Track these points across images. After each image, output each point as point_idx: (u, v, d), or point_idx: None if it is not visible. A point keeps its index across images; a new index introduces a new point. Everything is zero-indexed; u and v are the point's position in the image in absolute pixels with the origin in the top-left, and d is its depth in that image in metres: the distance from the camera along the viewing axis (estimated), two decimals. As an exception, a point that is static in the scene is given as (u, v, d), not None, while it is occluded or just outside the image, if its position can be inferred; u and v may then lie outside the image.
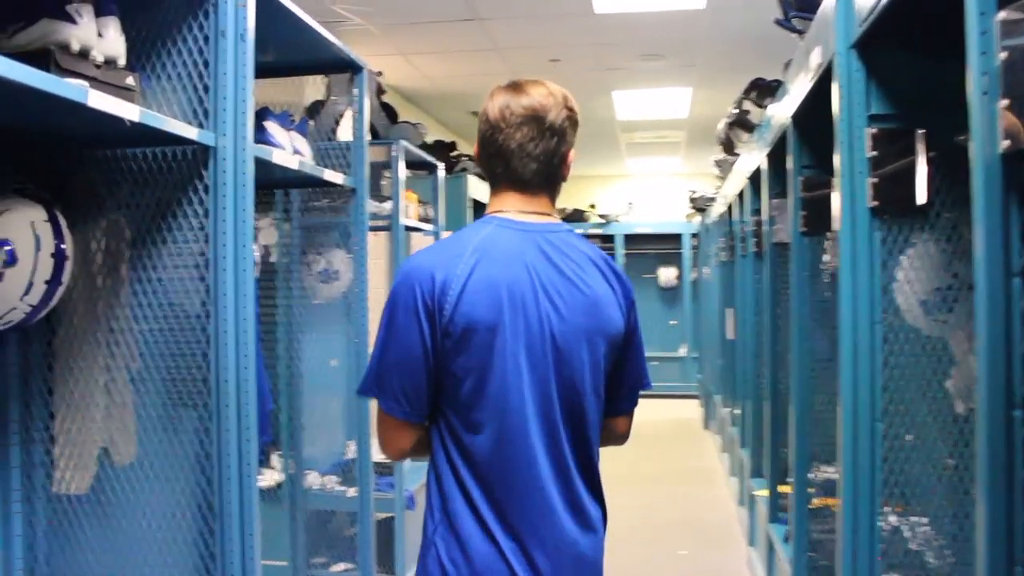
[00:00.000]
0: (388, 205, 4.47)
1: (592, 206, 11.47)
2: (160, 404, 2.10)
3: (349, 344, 4.97)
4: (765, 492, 3.89)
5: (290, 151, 2.61)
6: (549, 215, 1.67)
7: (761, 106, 3.75)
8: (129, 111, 1.68)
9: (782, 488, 3.74)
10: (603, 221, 11.17)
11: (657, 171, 11.96)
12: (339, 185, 2.77)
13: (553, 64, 6.17)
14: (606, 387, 1.69)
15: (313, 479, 4.35)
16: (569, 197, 11.72)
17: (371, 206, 4.49)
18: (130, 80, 1.86)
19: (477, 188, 6.32)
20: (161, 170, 2.04)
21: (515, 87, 1.64)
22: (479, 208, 6.45)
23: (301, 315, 4.38)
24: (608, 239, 11.02)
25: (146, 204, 2.07)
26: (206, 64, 1.99)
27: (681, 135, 9.07)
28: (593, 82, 6.79)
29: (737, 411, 5.56)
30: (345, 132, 5.26)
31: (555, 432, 1.59)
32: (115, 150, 2.07)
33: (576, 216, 11.23)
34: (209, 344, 1.98)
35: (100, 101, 1.59)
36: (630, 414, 1.81)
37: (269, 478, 4.13)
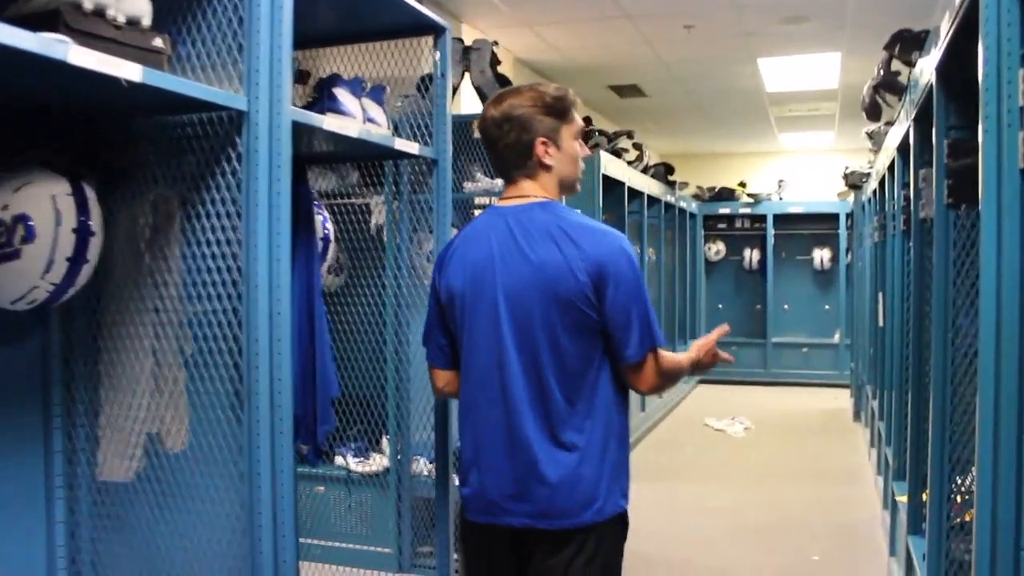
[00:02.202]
0: (501, 181, 4.25)
1: (742, 184, 10.91)
2: (214, 390, 1.95)
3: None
4: (906, 498, 3.45)
5: (361, 119, 2.42)
6: (527, 196, 1.96)
7: (909, 63, 3.29)
8: (128, 71, 1.51)
9: (926, 495, 3.30)
10: (753, 200, 10.58)
11: (810, 147, 11.25)
12: (419, 156, 2.55)
13: (688, 31, 5.78)
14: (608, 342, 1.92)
15: (421, 466, 4.23)
16: (718, 175, 11.22)
17: (484, 182, 4.31)
18: (158, 42, 1.71)
19: (609, 164, 5.99)
20: (198, 137, 1.88)
21: (494, 98, 2.00)
22: (610, 185, 6.12)
23: (410, 297, 4.27)
24: (759, 219, 10.51)
25: (183, 176, 1.92)
26: (240, 22, 1.81)
27: (834, 107, 8.43)
28: (734, 49, 6.33)
29: (885, 404, 5.06)
30: (458, 105, 5.09)
31: (510, 381, 1.89)
32: (152, 119, 1.94)
33: (725, 194, 10.74)
34: (241, 328, 1.81)
35: (85, 59, 1.42)
36: (631, 367, 1.92)
37: (376, 463, 4.04)
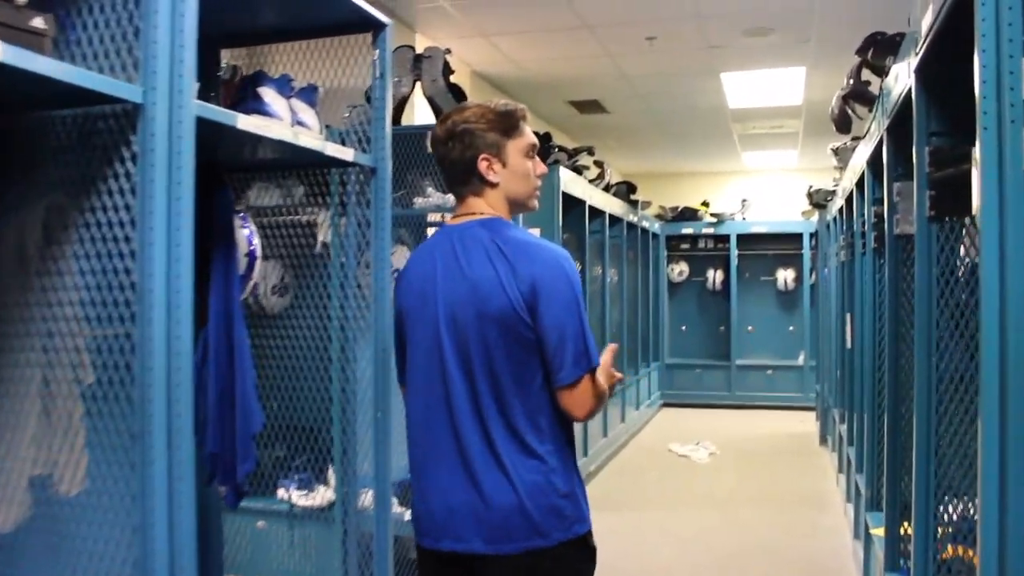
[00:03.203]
0: (453, 196, 4.01)
1: (705, 204, 10.80)
2: (105, 428, 1.68)
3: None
4: (882, 531, 3.25)
5: (288, 121, 2.19)
6: (473, 214, 1.93)
7: (880, 71, 3.12)
8: (-19, 46, 1.26)
9: (904, 528, 3.11)
10: (716, 220, 10.47)
11: (773, 166, 11.17)
12: (354, 164, 2.32)
13: (650, 43, 5.62)
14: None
15: (369, 499, 3.98)
16: (681, 195, 11.11)
17: (436, 198, 4.08)
18: (38, 22, 1.47)
19: (569, 182, 5.77)
20: (89, 135, 1.63)
21: (443, 115, 1.99)
22: (570, 203, 5.91)
23: (357, 318, 4.03)
24: (722, 239, 10.39)
25: (75, 180, 1.66)
26: (137, 2, 1.57)
27: (797, 124, 8.32)
28: (696, 63, 6.18)
29: (854, 428, 4.88)
30: (411, 116, 4.86)
31: (452, 400, 1.85)
32: (41, 115, 1.68)
33: (688, 214, 10.63)
34: (134, 353, 1.56)
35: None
36: (565, 389, 1.83)
37: (321, 496, 3.77)
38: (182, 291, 1.57)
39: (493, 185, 1.91)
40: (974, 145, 2.05)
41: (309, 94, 2.33)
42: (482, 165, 1.89)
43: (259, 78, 2.20)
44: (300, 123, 2.25)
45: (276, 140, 1.97)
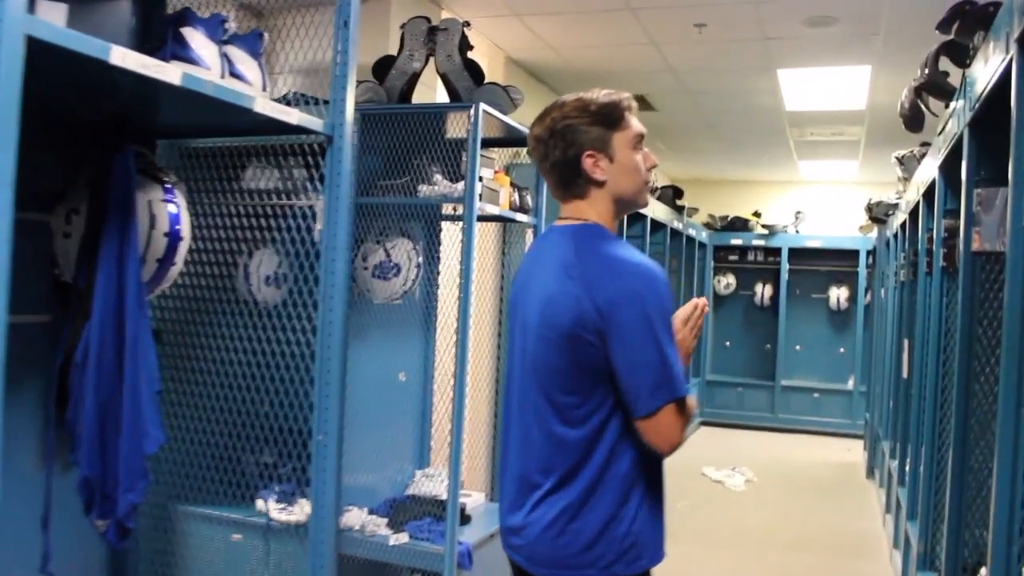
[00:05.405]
0: (461, 185, 3.56)
1: (756, 214, 10.23)
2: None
3: (426, 354, 4.15)
4: (941, 604, 2.74)
5: (218, 73, 1.76)
6: (572, 219, 1.82)
7: (962, 60, 2.60)
8: None
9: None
10: (767, 232, 9.90)
11: (831, 177, 10.53)
12: (299, 129, 1.88)
13: (699, 30, 5.10)
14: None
15: (353, 518, 3.56)
16: (732, 204, 10.56)
17: (443, 186, 3.64)
18: None
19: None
20: None
21: (540, 114, 1.83)
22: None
23: (351, 317, 3.63)
24: (773, 252, 9.85)
25: None
26: None
27: (859, 132, 7.72)
28: (751, 56, 5.65)
29: (907, 467, 4.34)
30: (431, 94, 4.42)
31: (524, 413, 1.80)
32: None
33: (738, 224, 10.07)
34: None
35: None
36: (640, 422, 1.71)
37: (301, 511, 3.39)
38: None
39: (599, 184, 1.79)
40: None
41: (252, 42, 1.90)
42: (587, 163, 1.77)
43: (186, 16, 1.77)
44: (236, 75, 1.82)
45: (180, 87, 1.53)
